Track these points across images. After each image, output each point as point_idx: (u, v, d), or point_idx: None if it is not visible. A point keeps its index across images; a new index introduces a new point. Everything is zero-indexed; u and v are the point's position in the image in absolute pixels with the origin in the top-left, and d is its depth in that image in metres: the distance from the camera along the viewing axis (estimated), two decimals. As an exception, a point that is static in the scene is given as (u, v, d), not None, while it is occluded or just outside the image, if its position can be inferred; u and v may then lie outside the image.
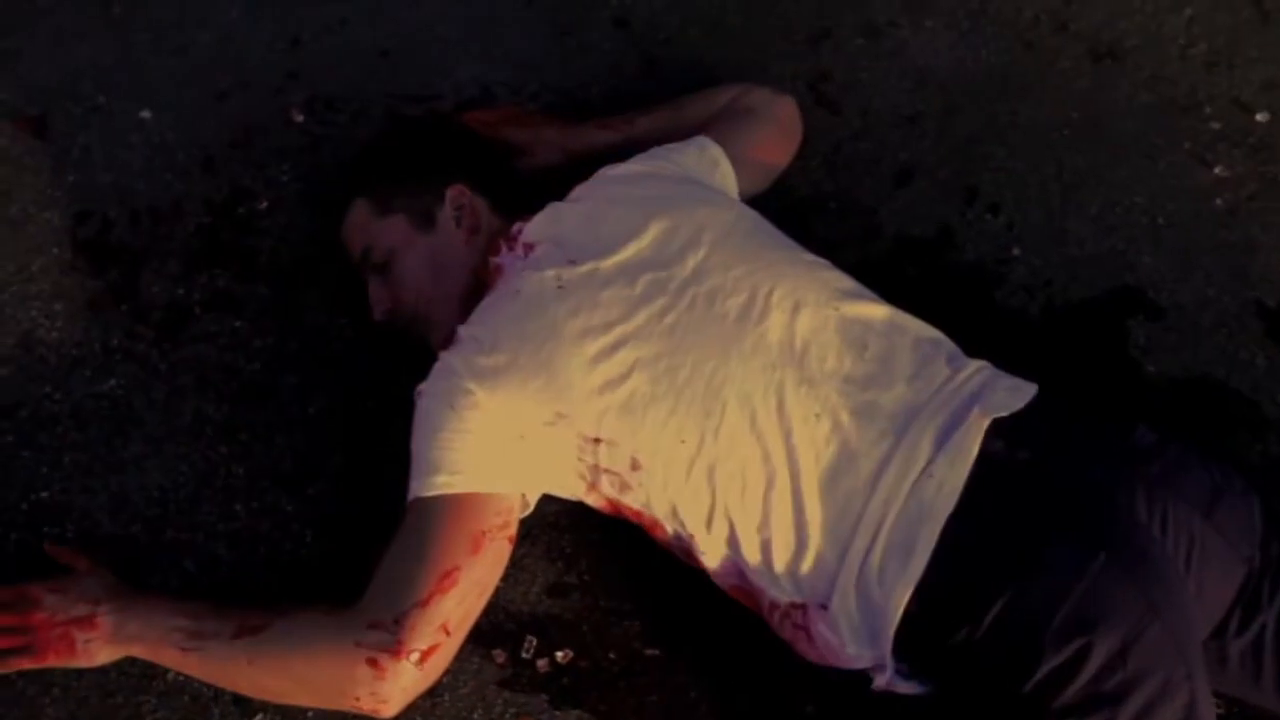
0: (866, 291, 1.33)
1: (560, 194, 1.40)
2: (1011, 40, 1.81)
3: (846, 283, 1.32)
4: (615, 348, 1.23)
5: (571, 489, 1.30)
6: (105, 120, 1.69)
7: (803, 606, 1.20)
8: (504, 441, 1.24)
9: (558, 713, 1.24)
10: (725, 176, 1.49)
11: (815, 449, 1.19)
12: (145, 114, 1.70)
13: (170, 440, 1.42)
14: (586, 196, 1.39)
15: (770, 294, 1.26)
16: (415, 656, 1.17)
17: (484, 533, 1.21)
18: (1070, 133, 1.71)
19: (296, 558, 1.34)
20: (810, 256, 1.35)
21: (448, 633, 1.19)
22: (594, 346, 1.23)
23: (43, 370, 1.47)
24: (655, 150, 1.49)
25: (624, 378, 1.22)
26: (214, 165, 1.65)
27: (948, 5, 1.84)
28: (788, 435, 1.19)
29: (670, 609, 1.30)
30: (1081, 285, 1.57)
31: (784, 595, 1.20)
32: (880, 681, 1.18)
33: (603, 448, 1.23)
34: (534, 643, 1.27)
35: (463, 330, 1.29)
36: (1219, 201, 1.65)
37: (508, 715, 1.24)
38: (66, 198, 1.62)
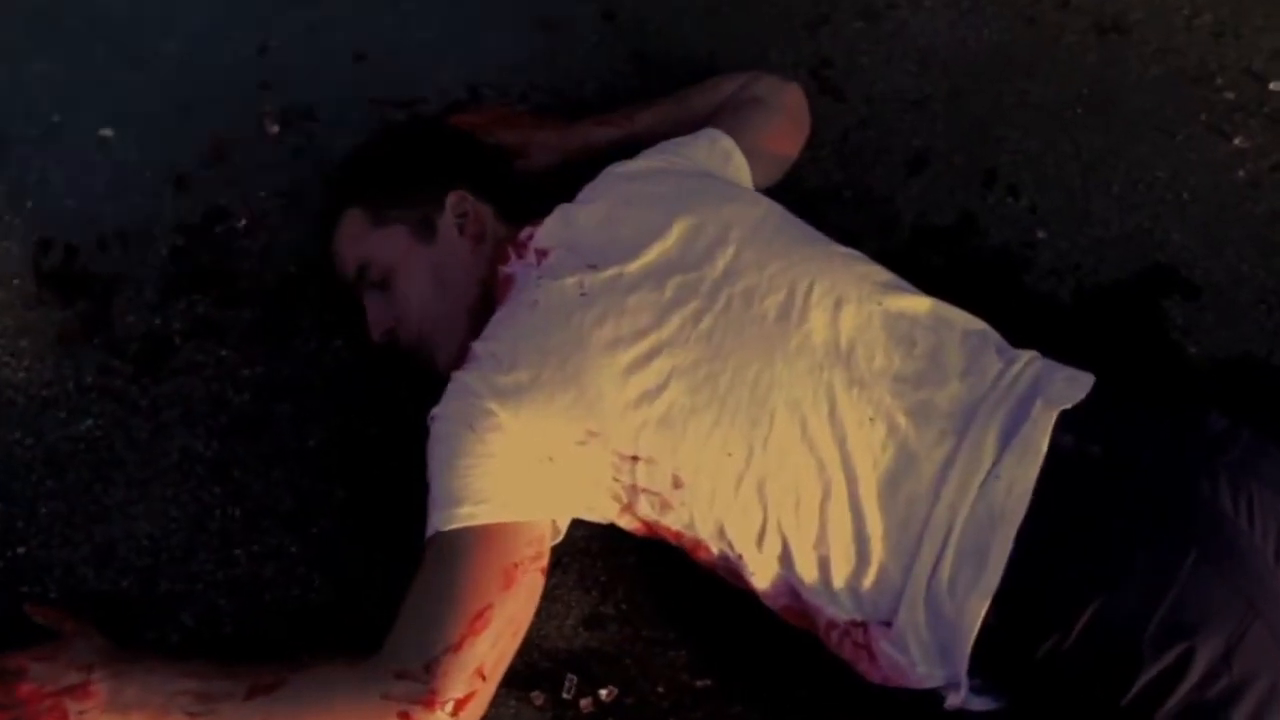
0: (905, 283, 1.25)
1: (565, 196, 1.31)
2: (1012, 18, 1.75)
3: (884, 275, 1.24)
4: (649, 357, 1.13)
5: (604, 511, 1.21)
6: (63, 140, 1.57)
7: (863, 625, 1.11)
8: (531, 465, 1.14)
9: (607, 755, 1.15)
10: (739, 169, 1.41)
11: (872, 455, 1.10)
12: (107, 132, 1.58)
13: (156, 482, 1.30)
14: (598, 197, 1.29)
15: (809, 291, 1.18)
16: (449, 706, 1.06)
17: (516, 565, 1.11)
18: (1083, 110, 1.65)
19: (306, 604, 1.22)
20: (843, 249, 1.27)
21: (483, 677, 1.09)
22: (626, 357, 1.13)
23: (11, 413, 1.34)
24: (663, 145, 1.40)
25: (661, 389, 1.12)
26: (186, 184, 1.54)
27: (944, -16, 1.77)
28: (842, 442, 1.10)
29: (718, 635, 1.20)
30: (1111, 266, 1.50)
31: (843, 613, 1.12)
32: (954, 700, 1.10)
33: (641, 466, 1.13)
34: (574, 681, 1.17)
35: (478, 347, 1.19)
36: (1241, 173, 1.59)
37: (554, 761, 1.15)
38: (25, 226, 1.49)
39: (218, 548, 1.26)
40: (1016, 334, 1.23)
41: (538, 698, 1.17)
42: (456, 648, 1.07)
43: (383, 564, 1.24)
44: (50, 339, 1.40)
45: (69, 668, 1.12)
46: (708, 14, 1.73)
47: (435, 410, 1.18)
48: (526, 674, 1.17)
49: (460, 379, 1.17)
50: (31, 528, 1.27)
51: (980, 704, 1.11)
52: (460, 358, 1.24)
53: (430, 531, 1.13)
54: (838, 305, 1.17)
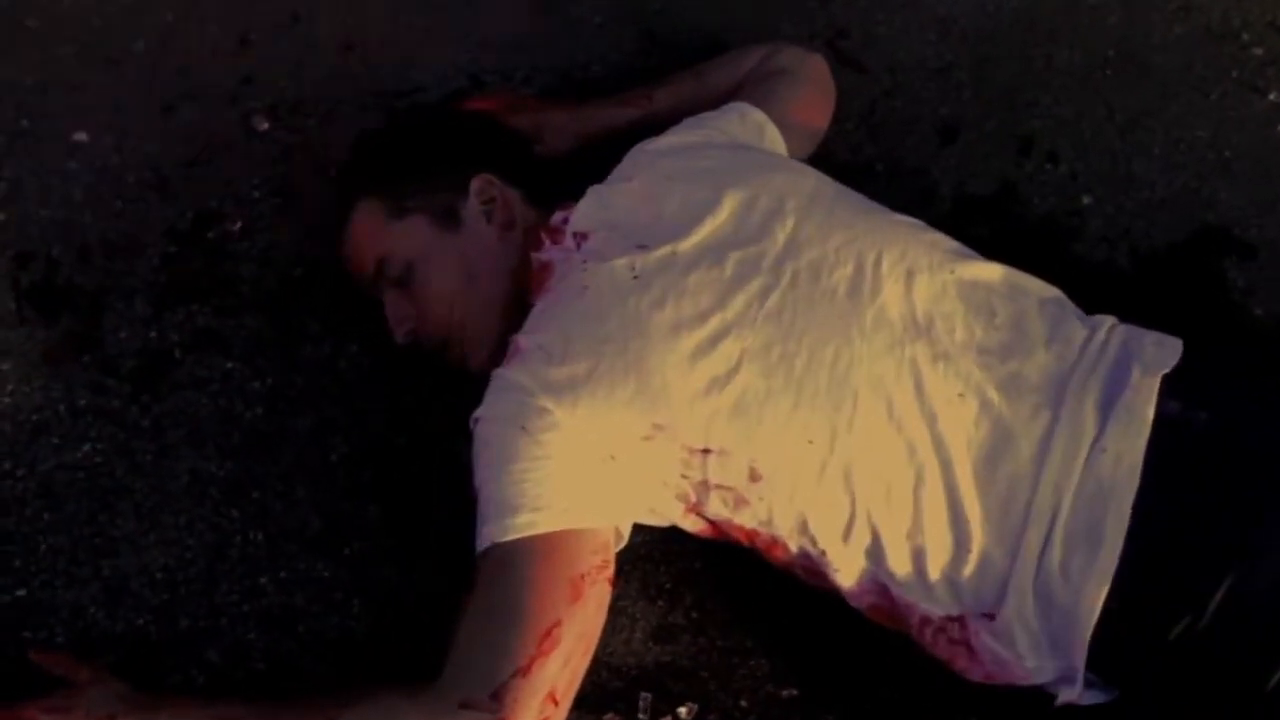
0: (971, 251, 1.17)
1: (592, 179, 1.21)
2: (1022, -17, 1.68)
3: (951, 243, 1.16)
4: (715, 340, 1.04)
5: (667, 512, 1.11)
6: (34, 147, 1.45)
7: (960, 619, 1.02)
8: (592, 465, 1.04)
9: (691, 779, 1.05)
10: (774, 142, 1.32)
11: (966, 433, 1.01)
12: (80, 136, 1.46)
13: (167, 510, 1.18)
14: (634, 175, 1.20)
15: (878, 263, 1.09)
16: (519, 737, 0.96)
17: (582, 576, 1.01)
18: (1111, 72, 1.58)
19: (346, 632, 1.11)
20: (903, 217, 1.18)
21: (555, 702, 0.98)
22: (690, 341, 1.04)
23: (-2, 442, 1.22)
24: (691, 120, 1.30)
25: (731, 373, 1.03)
26: (171, 187, 1.42)
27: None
28: (932, 421, 1.02)
29: (799, 640, 1.11)
30: (1163, 230, 1.43)
31: (939, 608, 1.03)
32: (1068, 696, 1.01)
33: (713, 459, 1.03)
34: (649, 700, 1.07)
35: (523, 340, 1.09)
36: (1280, 128, 1.54)
37: (634, 790, 1.05)
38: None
39: (241, 577, 1.14)
40: (1077, 303, 1.15)
41: (611, 720, 1.07)
42: (525, 671, 0.97)
43: (428, 584, 1.13)
44: (35, 360, 1.28)
45: (87, 718, 1.00)
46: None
47: (479, 412, 1.07)
48: (596, 696, 1.07)
49: (506, 376, 1.07)
50: (31, 566, 1.14)
51: (1090, 697, 1.02)
52: (498, 354, 1.14)
53: (484, 545, 1.02)
54: (910, 276, 1.09)
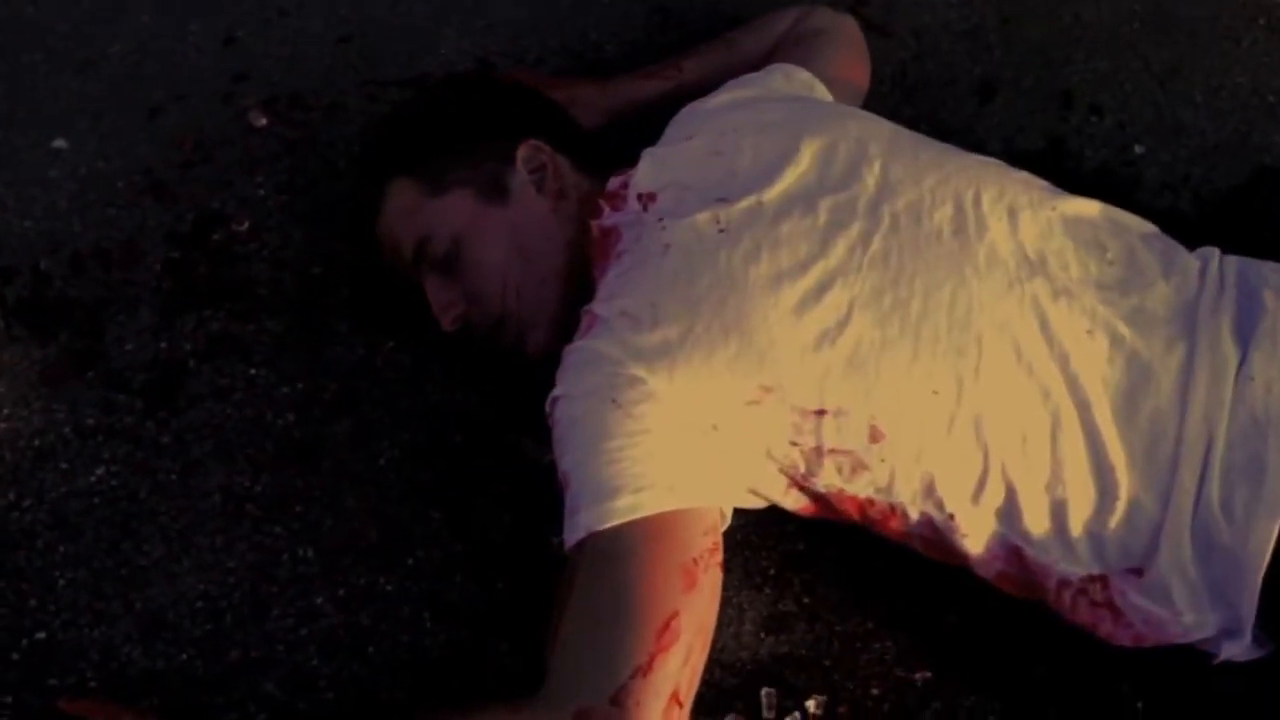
0: (1060, 189, 1.09)
1: (629, 152, 1.11)
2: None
3: (1041, 180, 1.08)
4: (820, 290, 0.94)
5: (768, 490, 1.00)
6: (7, 157, 1.32)
7: (1102, 578, 0.93)
8: (694, 438, 0.94)
9: (831, 778, 0.94)
10: (825, 100, 1.24)
11: (1100, 372, 0.93)
12: (59, 143, 1.34)
13: (199, 531, 1.05)
14: (694, 134, 1.10)
15: (978, 202, 1.01)
16: (645, 746, 0.84)
17: (695, 561, 0.89)
18: (1140, 26, 1.53)
19: (420, 650, 0.98)
20: (984, 157, 1.11)
21: (680, 704, 0.87)
22: (793, 293, 0.94)
23: (-3, 473, 1.08)
24: (735, 81, 1.22)
25: (842, 325, 0.93)
26: (167, 190, 1.30)
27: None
28: (1064, 362, 0.93)
29: (924, 617, 1.00)
30: (1222, 174, 1.37)
31: (1079, 568, 0.93)
32: (1232, 651, 0.92)
33: (828, 421, 0.94)
34: (773, 695, 0.96)
35: (600, 309, 0.98)
36: (1317, 71, 1.50)
37: (769, 796, 0.93)
38: (-23, 255, 1.23)
39: (294, 598, 1.01)
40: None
41: (734, 721, 0.96)
42: (646, 670, 0.85)
43: (506, 590, 1.01)
44: (32, 380, 1.14)
45: (140, 768, 0.87)
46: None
47: (558, 390, 0.96)
48: (712, 696, 0.95)
49: (587, 348, 0.96)
50: (50, 606, 1.00)
51: (1250, 652, 0.94)
52: (558, 333, 1.04)
53: (578, 535, 0.90)
54: (1012, 214, 1.01)
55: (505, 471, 1.08)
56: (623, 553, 0.89)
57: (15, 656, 0.97)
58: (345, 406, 1.13)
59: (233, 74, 1.42)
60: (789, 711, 0.95)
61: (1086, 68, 1.48)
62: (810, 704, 0.96)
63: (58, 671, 0.96)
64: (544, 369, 1.00)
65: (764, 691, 0.96)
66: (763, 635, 1.00)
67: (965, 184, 1.02)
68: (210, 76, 1.41)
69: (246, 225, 1.27)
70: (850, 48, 1.36)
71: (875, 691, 0.96)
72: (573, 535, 0.91)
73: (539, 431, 1.07)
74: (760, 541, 1.05)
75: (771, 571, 1.03)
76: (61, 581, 1.01)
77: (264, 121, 1.36)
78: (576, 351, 0.97)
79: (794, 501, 1.02)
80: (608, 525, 0.89)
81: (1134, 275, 0.99)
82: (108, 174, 1.31)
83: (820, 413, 0.93)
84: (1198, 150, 1.40)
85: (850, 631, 1.00)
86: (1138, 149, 1.39)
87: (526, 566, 1.02)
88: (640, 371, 0.93)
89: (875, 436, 0.93)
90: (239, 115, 1.37)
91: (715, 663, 0.97)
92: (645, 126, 1.18)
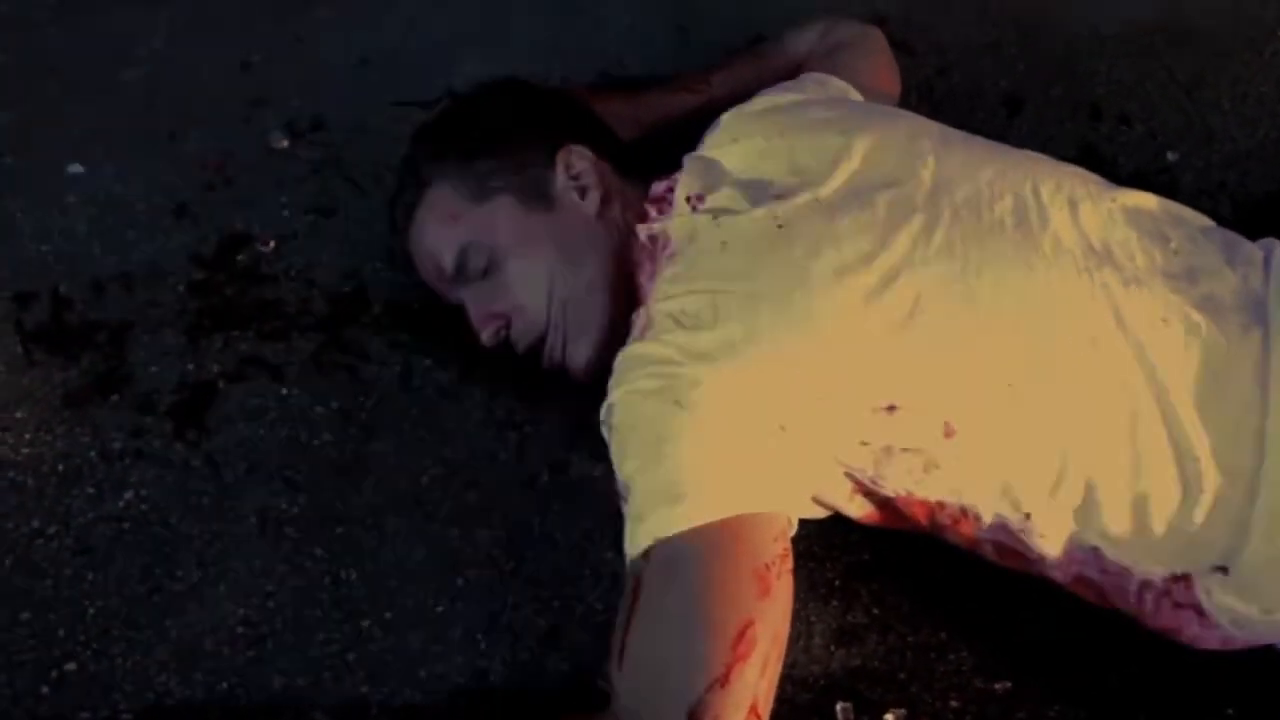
0: (1113, 183, 1.07)
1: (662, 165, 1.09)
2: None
3: (1093, 174, 1.06)
4: (886, 282, 0.91)
5: (833, 496, 0.97)
6: (22, 182, 1.28)
7: (1186, 577, 0.89)
8: (760, 439, 0.90)
9: (917, 794, 0.89)
10: (861, 107, 1.22)
11: (1177, 359, 0.90)
12: (76, 169, 1.30)
13: (236, 555, 1.00)
14: (739, 137, 1.07)
15: (1037, 194, 0.99)
16: (727, 760, 0.80)
17: (767, 567, 0.85)
18: (1160, 38, 1.53)
19: (477, 673, 0.93)
20: (1033, 153, 1.09)
21: (759, 716, 0.82)
22: (858, 286, 0.91)
23: (19, 500, 1.03)
24: (770, 90, 1.20)
25: (910, 317, 0.90)
26: (189, 212, 1.26)
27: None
28: (1140, 350, 0.90)
29: (1000, 626, 0.96)
30: (1257, 179, 1.36)
31: (1160, 569, 0.89)
32: (1331, 647, 0.89)
33: (900, 417, 0.90)
34: (849, 709, 0.91)
35: (655, 309, 0.94)
36: (1343, 81, 1.50)
37: (853, 815, 0.88)
38: (-7, 280, 1.19)
39: (339, 622, 0.96)
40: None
41: (810, 738, 0.91)
42: (724, 681, 0.81)
43: (564, 609, 0.97)
44: (55, 404, 1.09)
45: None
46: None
47: (613, 396, 0.92)
48: (786, 712, 0.91)
49: (642, 351, 0.92)
50: (79, 636, 0.94)
51: (1341, 650, 0.90)
52: (606, 346, 1.00)
53: (644, 544, 0.86)
54: (1072, 205, 0.98)
55: (557, 488, 1.04)
56: (691, 559, 0.85)
57: (45, 690, 0.91)
58: (384, 425, 1.09)
59: (251, 98, 1.39)
60: (868, 725, 0.91)
61: (1110, 78, 1.47)
62: (889, 718, 0.91)
63: (90, 704, 0.91)
64: (589, 381, 0.97)
65: (839, 706, 0.91)
66: (833, 648, 0.95)
67: (1021, 177, 1.00)
68: (228, 101, 1.38)
69: (272, 245, 1.23)
70: (880, 56, 1.35)
71: (955, 703, 0.92)
72: (636, 545, 0.86)
73: (589, 445, 1.04)
74: (824, 552, 1.01)
75: (837, 583, 0.99)
76: (91, 610, 0.96)
77: (285, 143, 1.34)
78: (632, 356, 0.93)
79: (859, 509, 0.98)
80: (673, 531, 0.85)
81: (1200, 264, 0.97)
82: (126, 197, 1.27)
83: (891, 409, 0.90)
84: (1230, 156, 1.38)
85: (924, 642, 0.95)
86: (1170, 156, 1.38)
87: (585, 586, 0.98)
88: (702, 372, 0.89)
89: (948, 432, 0.90)
90: (259, 137, 1.34)
91: (786, 678, 0.92)
92: (676, 140, 1.15)
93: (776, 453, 0.90)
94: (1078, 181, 1.02)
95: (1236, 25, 1.55)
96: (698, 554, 0.85)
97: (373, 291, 1.19)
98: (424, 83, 1.41)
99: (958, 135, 1.07)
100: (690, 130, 1.15)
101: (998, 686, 0.93)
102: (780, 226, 0.95)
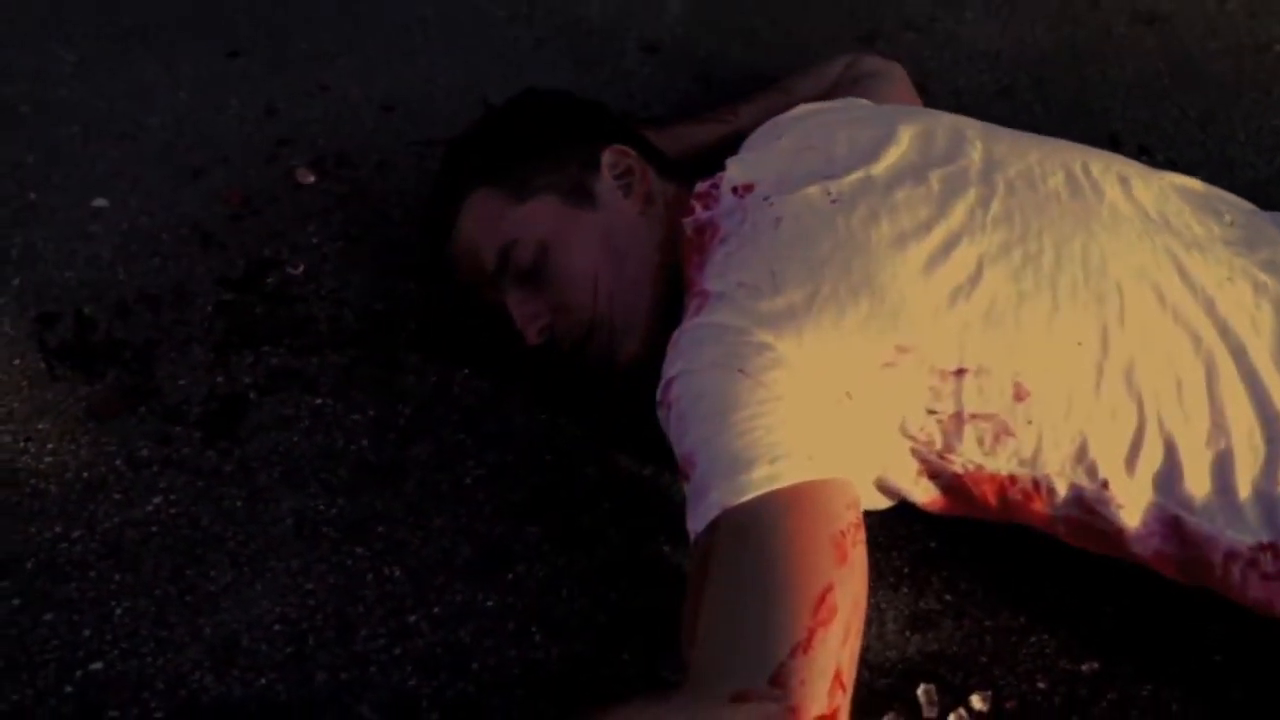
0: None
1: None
2: (1055, 19, 1.69)
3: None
4: (947, 248, 0.90)
5: (899, 475, 0.93)
6: (46, 215, 1.26)
7: (1273, 546, 0.85)
8: (827, 406, 0.87)
9: (1013, 776, 0.82)
10: (891, 128, 1.23)
11: (1249, 316, 0.88)
12: (100, 202, 1.29)
13: (272, 555, 0.94)
14: (781, 134, 1.08)
15: (1087, 170, 0.98)
16: (814, 728, 0.74)
17: (843, 534, 0.81)
18: (1170, 80, 1.57)
19: (532, 664, 0.87)
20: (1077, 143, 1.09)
21: (843, 687, 0.77)
22: (919, 252, 0.89)
23: (42, 506, 0.97)
24: (804, 107, 1.21)
25: (974, 281, 0.88)
26: (215, 241, 1.24)
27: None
28: (1210, 307, 0.88)
29: (1080, 610, 0.92)
30: (1282, 203, 1.38)
31: (1246, 535, 0.86)
32: None
33: (969, 381, 0.87)
34: (932, 691, 0.85)
35: (713, 285, 0.92)
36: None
37: (946, 798, 0.81)
38: (15, 304, 1.16)
39: (384, 618, 0.90)
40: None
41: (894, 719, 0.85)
42: (806, 646, 0.75)
43: (621, 601, 0.91)
44: (78, 416, 1.05)
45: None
46: (751, 38, 1.60)
47: (673, 370, 0.89)
48: (864, 696, 0.85)
49: (705, 323, 0.90)
50: (106, 636, 0.88)
51: None
52: (651, 341, 0.98)
53: (711, 515, 0.81)
54: (1124, 181, 0.98)
55: (606, 488, 1.00)
56: (764, 526, 0.80)
57: (69, 689, 0.85)
58: (423, 430, 1.05)
59: (276, 139, 1.39)
60: (951, 708, 0.85)
61: (1126, 115, 1.50)
62: (975, 699, 0.85)
63: (118, 703, 0.84)
64: (632, 382, 0.94)
65: (922, 689, 0.86)
66: (908, 634, 0.90)
67: (1071, 156, 1.00)
68: (252, 141, 1.38)
69: (302, 269, 1.21)
70: (902, 85, 1.36)
71: (1042, 685, 0.87)
72: (702, 517, 0.82)
73: (637, 447, 1.00)
74: (889, 542, 0.96)
75: (906, 570, 0.94)
76: (118, 610, 0.90)
77: (312, 179, 1.33)
78: (692, 329, 0.91)
79: (924, 494, 0.94)
80: (744, 499, 0.81)
81: (1255, 235, 0.96)
82: (151, 228, 1.26)
83: (960, 372, 0.87)
84: (1252, 183, 1.40)
85: (1003, 626, 0.90)
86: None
87: (643, 582, 0.93)
88: (767, 337, 0.87)
89: (1020, 395, 0.87)
90: (286, 174, 1.34)
91: (861, 664, 0.86)
92: (707, 167, 1.15)
93: (843, 423, 0.87)
94: (1124, 162, 1.02)
95: (1240, 70, 1.59)
96: (771, 520, 0.80)
97: (406, 310, 1.17)
98: (447, 128, 1.42)
99: (999, 127, 1.08)
100: (720, 158, 1.15)
101: (1084, 668, 0.88)
102: (834, 201, 0.94)
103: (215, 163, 1.35)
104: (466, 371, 1.11)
